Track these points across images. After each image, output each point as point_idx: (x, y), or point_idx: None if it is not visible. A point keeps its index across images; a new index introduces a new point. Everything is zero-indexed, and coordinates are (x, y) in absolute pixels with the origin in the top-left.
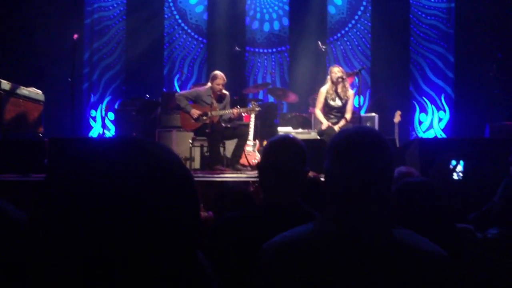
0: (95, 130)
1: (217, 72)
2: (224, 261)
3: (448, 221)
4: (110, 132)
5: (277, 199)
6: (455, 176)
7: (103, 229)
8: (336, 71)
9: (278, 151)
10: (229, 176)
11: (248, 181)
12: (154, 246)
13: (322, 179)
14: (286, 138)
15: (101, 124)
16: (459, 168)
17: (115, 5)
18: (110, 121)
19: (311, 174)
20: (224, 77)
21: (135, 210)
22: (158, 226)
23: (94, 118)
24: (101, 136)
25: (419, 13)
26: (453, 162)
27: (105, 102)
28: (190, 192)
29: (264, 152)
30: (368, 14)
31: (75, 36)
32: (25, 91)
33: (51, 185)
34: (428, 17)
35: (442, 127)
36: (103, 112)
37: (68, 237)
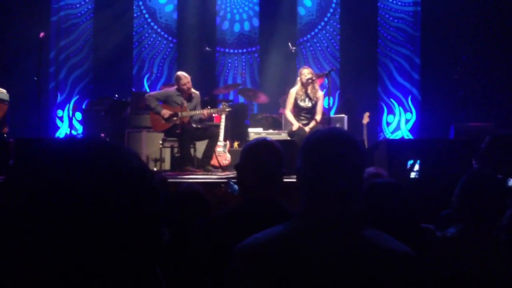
0: (62, 130)
1: (179, 73)
2: (211, 260)
3: (414, 220)
4: (78, 133)
5: (258, 197)
6: (412, 175)
7: (63, 229)
8: (306, 72)
9: (258, 153)
10: (200, 177)
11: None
12: (114, 248)
13: (291, 180)
14: (266, 141)
15: (68, 124)
16: (416, 167)
17: (82, 2)
18: (78, 121)
19: None
20: (187, 75)
21: (93, 209)
22: (116, 226)
23: (61, 118)
24: (67, 137)
25: (387, 16)
26: (410, 162)
27: (72, 102)
28: (149, 191)
29: (244, 153)
30: (337, 16)
31: (42, 34)
32: None
33: (10, 185)
34: (395, 20)
35: (409, 128)
36: (70, 112)
37: (28, 237)
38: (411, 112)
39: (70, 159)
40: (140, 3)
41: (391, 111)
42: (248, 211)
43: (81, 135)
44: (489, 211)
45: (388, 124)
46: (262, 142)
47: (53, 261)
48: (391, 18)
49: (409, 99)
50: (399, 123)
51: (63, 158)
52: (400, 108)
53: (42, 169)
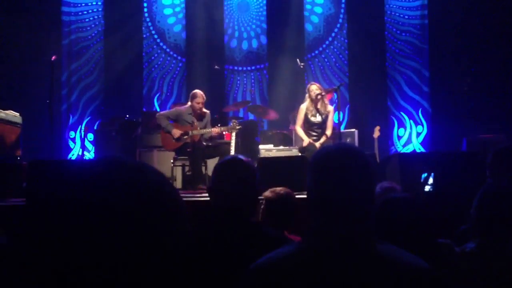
0: (75, 152)
1: (197, 91)
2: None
3: (430, 236)
4: (90, 153)
5: (229, 220)
6: (426, 188)
7: (86, 253)
8: (314, 88)
9: (226, 173)
10: None
11: None
12: (139, 266)
13: (302, 196)
14: (234, 159)
15: (81, 145)
16: (430, 180)
17: (93, 25)
18: (90, 142)
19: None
20: (204, 95)
21: (119, 232)
22: (140, 249)
23: (73, 140)
24: (80, 158)
25: (394, 29)
26: (424, 175)
27: (84, 123)
28: (175, 209)
29: (213, 174)
30: (344, 31)
31: (53, 57)
32: (2, 114)
33: (32, 208)
34: (403, 34)
35: (420, 141)
36: (83, 133)
37: (51, 260)
38: (422, 125)
39: (94, 180)
40: (149, 24)
41: (401, 125)
42: (221, 232)
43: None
44: (508, 225)
45: (399, 137)
46: (231, 161)
47: (76, 282)
48: (398, 32)
49: (420, 112)
50: (410, 136)
51: (86, 180)
52: (411, 121)
53: (68, 190)
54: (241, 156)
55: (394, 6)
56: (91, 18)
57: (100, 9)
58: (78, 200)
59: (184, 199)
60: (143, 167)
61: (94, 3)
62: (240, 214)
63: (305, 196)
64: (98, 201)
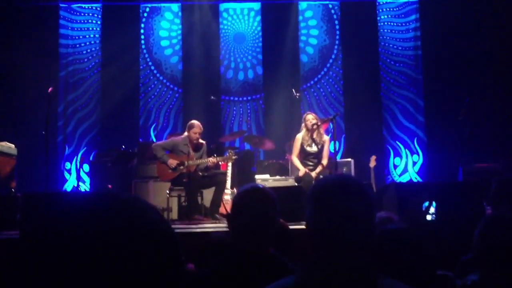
0: (70, 183)
1: (194, 121)
2: None
3: (429, 268)
4: (85, 185)
5: (250, 249)
6: (428, 217)
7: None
8: (310, 118)
9: (247, 201)
10: (208, 226)
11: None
12: None
13: (299, 226)
14: (255, 188)
15: (76, 177)
16: (432, 209)
17: (90, 57)
18: (85, 173)
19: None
20: (201, 126)
21: (111, 266)
22: (134, 282)
23: (69, 171)
24: (75, 190)
25: (388, 60)
26: (425, 204)
27: (80, 154)
28: (167, 243)
29: (234, 202)
30: (339, 62)
31: (50, 89)
32: None
33: (25, 243)
34: (397, 64)
35: (416, 170)
36: (78, 164)
37: None
38: (418, 154)
39: (89, 215)
40: (146, 55)
41: (397, 154)
42: (241, 265)
43: (90, 189)
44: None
45: (395, 166)
46: (252, 189)
47: None
48: (392, 62)
49: (415, 141)
50: (406, 166)
51: (80, 214)
52: (407, 150)
53: (60, 226)
54: (261, 185)
55: (388, 38)
56: (88, 50)
57: (97, 41)
58: (71, 236)
59: (180, 230)
60: (138, 203)
61: (91, 35)
62: (259, 244)
63: (302, 226)
64: (92, 237)
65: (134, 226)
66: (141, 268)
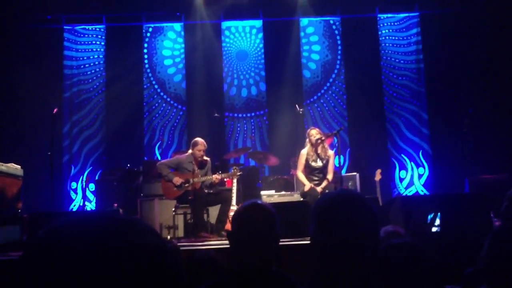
0: (76, 202)
1: (198, 139)
2: None
3: (435, 281)
4: (91, 204)
5: (251, 265)
6: (434, 229)
7: None
8: (314, 133)
9: (247, 218)
10: (214, 243)
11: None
12: None
13: (305, 242)
14: (255, 204)
15: (82, 196)
16: (437, 221)
17: (94, 78)
18: (91, 192)
19: None
20: (205, 143)
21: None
22: None
23: (75, 190)
24: (80, 210)
25: (390, 74)
26: (430, 216)
27: (85, 174)
28: (165, 270)
29: (233, 219)
30: (342, 77)
31: (55, 110)
32: (3, 167)
33: (26, 262)
34: (400, 78)
35: (422, 183)
36: (84, 184)
37: None
38: (424, 167)
39: (84, 238)
40: (150, 74)
41: (403, 167)
42: (242, 282)
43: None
44: None
45: (401, 180)
46: (252, 206)
47: None
48: (395, 76)
49: (420, 154)
50: (412, 178)
51: (76, 237)
52: (412, 163)
53: (56, 250)
54: (260, 201)
55: (390, 52)
56: (92, 71)
57: (101, 62)
58: (72, 259)
59: (186, 247)
60: (136, 225)
61: (95, 56)
62: (261, 260)
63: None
64: (94, 261)
65: (130, 248)
66: None
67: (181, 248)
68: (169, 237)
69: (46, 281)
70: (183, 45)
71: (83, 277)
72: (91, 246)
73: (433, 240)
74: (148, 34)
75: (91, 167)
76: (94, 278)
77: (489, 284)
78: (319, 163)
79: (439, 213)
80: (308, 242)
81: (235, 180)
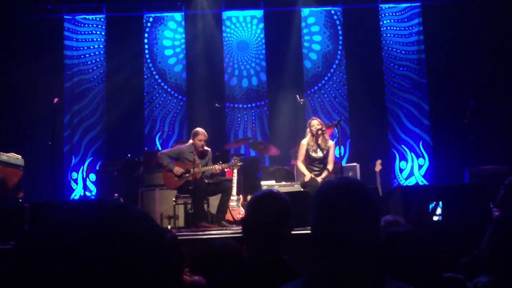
0: (77, 192)
1: (199, 129)
2: None
3: (435, 270)
4: (92, 194)
5: (262, 254)
6: (435, 218)
7: None
8: (315, 123)
9: (262, 206)
10: (215, 233)
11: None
12: None
13: (305, 231)
14: (270, 192)
15: (83, 186)
16: (438, 210)
17: (95, 68)
18: (92, 182)
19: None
20: (206, 133)
21: (103, 276)
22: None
23: (75, 180)
24: (78, 200)
25: (392, 64)
26: (432, 205)
27: (86, 164)
28: (159, 257)
29: (248, 207)
30: (343, 67)
31: (56, 100)
32: (4, 156)
33: (18, 253)
34: (401, 68)
35: (422, 174)
36: (85, 174)
37: None
38: (424, 158)
39: (80, 225)
40: (150, 65)
41: (403, 158)
42: (254, 272)
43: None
44: None
45: (401, 170)
46: (267, 194)
47: None
48: (396, 67)
49: (421, 144)
50: (412, 169)
51: (72, 224)
52: (412, 154)
53: (51, 235)
54: (276, 190)
55: (391, 42)
56: (93, 61)
57: (102, 52)
58: (67, 247)
59: (187, 237)
60: (126, 210)
61: (96, 46)
62: (273, 249)
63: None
64: (93, 249)
65: (122, 236)
66: (131, 278)
67: (182, 238)
68: (169, 226)
69: (38, 271)
70: (183, 35)
71: (74, 265)
72: (83, 234)
73: (433, 230)
74: (149, 24)
75: (92, 157)
76: (86, 266)
77: (489, 273)
78: (320, 154)
79: (440, 203)
80: (308, 232)
81: (235, 171)
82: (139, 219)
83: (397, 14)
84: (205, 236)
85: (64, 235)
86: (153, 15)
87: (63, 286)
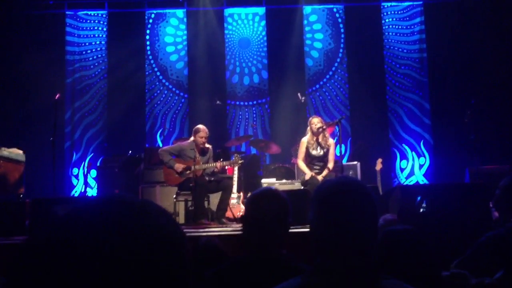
0: (77, 189)
1: (200, 126)
2: None
3: (433, 268)
4: (93, 190)
5: (261, 251)
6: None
7: None
8: (316, 121)
9: (260, 203)
10: (215, 230)
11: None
12: None
13: (305, 229)
14: (269, 190)
15: (83, 182)
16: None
17: (96, 64)
18: (93, 178)
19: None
20: (207, 130)
21: (118, 272)
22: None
23: (76, 176)
24: (82, 196)
25: (393, 63)
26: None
27: (87, 160)
28: (173, 249)
29: (246, 204)
30: (344, 65)
31: (57, 96)
32: (5, 152)
33: (32, 247)
34: (402, 67)
35: (423, 173)
36: (85, 170)
37: None
38: (425, 157)
39: (96, 220)
40: (152, 61)
41: (404, 157)
42: (252, 269)
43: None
44: None
45: (402, 169)
46: (265, 193)
47: None
48: (397, 65)
49: (422, 144)
50: (413, 168)
51: (88, 219)
52: (413, 153)
53: (65, 231)
54: (274, 188)
55: (393, 41)
56: (94, 57)
57: (103, 48)
58: (77, 242)
59: (187, 234)
60: (147, 207)
61: (97, 42)
62: (272, 246)
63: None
64: (98, 243)
65: (139, 231)
66: (146, 273)
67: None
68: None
69: (52, 268)
70: (185, 32)
71: (93, 262)
72: (102, 230)
73: (430, 228)
74: (151, 21)
75: (93, 154)
76: (106, 262)
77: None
78: (320, 152)
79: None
80: (308, 230)
81: (236, 168)
82: (160, 214)
83: (399, 12)
84: (205, 234)
85: (85, 230)
86: (155, 11)
87: (88, 282)
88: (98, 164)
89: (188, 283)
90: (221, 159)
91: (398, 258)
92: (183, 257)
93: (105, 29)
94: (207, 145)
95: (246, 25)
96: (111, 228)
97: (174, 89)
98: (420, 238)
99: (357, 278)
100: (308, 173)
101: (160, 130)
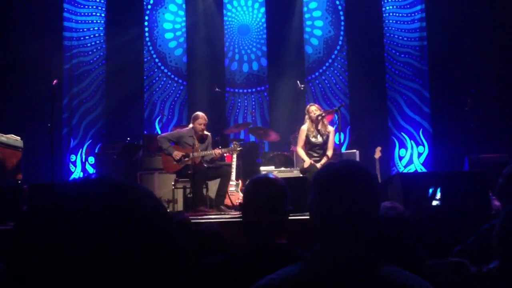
0: (75, 175)
1: (199, 113)
2: None
3: (420, 254)
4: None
5: (260, 238)
6: (434, 203)
7: (76, 272)
8: (314, 109)
9: (259, 190)
10: (213, 217)
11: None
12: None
13: (304, 217)
14: (267, 177)
15: (81, 169)
16: (438, 195)
17: (94, 50)
18: (91, 165)
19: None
20: (206, 117)
21: (106, 252)
22: (132, 266)
23: (74, 163)
24: (81, 177)
25: (393, 51)
26: (431, 190)
27: (85, 147)
28: (164, 233)
29: (245, 191)
30: (344, 53)
31: (55, 81)
32: (3, 138)
33: (23, 228)
34: (402, 55)
35: (421, 162)
36: (83, 157)
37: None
38: (423, 146)
39: (83, 200)
40: (151, 48)
41: (403, 145)
42: (252, 256)
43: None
44: None
45: (400, 158)
46: (264, 179)
47: None
48: (397, 53)
49: (421, 132)
50: (411, 157)
51: (76, 200)
52: (412, 141)
53: (55, 211)
54: (272, 175)
55: (393, 29)
56: (92, 43)
57: (101, 34)
58: (71, 223)
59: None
60: (134, 188)
61: (96, 28)
62: (271, 233)
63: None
64: (91, 223)
65: (127, 213)
66: (136, 256)
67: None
68: (168, 211)
69: (39, 251)
70: (184, 19)
71: (77, 244)
72: (90, 210)
73: (431, 216)
74: (149, 7)
75: (91, 140)
76: (89, 244)
77: (501, 259)
78: (320, 139)
79: (439, 188)
80: (307, 217)
81: (235, 156)
82: (147, 195)
83: (400, 0)
84: (203, 221)
85: (71, 210)
86: None
87: (70, 262)
88: (96, 150)
89: (177, 264)
90: (220, 146)
91: (388, 244)
92: (171, 238)
93: (103, 14)
94: (206, 132)
95: (245, 12)
96: (99, 206)
97: (173, 76)
98: (408, 222)
99: (357, 265)
100: (307, 161)
101: (159, 117)
